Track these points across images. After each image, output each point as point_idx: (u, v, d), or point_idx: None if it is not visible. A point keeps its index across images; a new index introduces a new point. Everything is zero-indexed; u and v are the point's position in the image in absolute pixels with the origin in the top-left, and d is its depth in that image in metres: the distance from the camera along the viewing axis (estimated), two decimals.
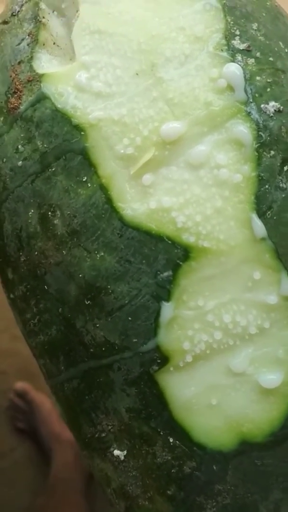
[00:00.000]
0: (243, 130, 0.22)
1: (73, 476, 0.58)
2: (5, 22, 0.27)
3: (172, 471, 0.24)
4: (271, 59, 0.24)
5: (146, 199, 0.23)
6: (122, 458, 0.25)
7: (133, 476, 0.26)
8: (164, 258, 0.23)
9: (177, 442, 0.24)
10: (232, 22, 0.24)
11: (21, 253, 0.26)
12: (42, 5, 0.26)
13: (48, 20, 0.26)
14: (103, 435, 0.26)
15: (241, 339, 0.23)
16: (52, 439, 0.64)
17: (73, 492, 0.56)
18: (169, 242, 0.23)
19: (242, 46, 0.23)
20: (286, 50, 0.25)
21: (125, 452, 0.25)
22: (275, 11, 0.26)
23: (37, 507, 0.58)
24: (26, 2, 0.27)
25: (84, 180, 0.24)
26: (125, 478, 0.26)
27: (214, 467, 0.24)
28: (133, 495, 0.26)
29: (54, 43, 0.26)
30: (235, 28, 0.24)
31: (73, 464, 0.59)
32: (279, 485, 0.24)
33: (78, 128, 0.24)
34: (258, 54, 0.23)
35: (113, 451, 0.26)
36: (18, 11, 0.27)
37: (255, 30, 0.24)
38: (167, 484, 0.25)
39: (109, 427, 0.26)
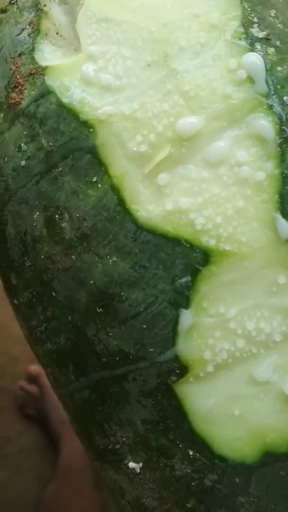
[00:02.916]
0: (265, 124, 0.21)
1: (83, 467, 0.58)
2: (3, 11, 0.25)
3: (192, 484, 0.23)
4: None
5: (162, 200, 0.22)
6: (138, 470, 0.25)
7: (149, 489, 0.25)
8: (182, 262, 0.22)
9: (197, 454, 0.23)
10: (249, 9, 0.22)
11: (25, 258, 0.25)
12: None
13: (49, 8, 0.24)
14: (117, 446, 0.25)
15: (265, 346, 0.22)
16: (61, 424, 0.64)
17: (85, 483, 0.57)
18: (187, 245, 0.21)
19: (261, 34, 0.22)
20: None
21: (140, 464, 0.24)
22: None
23: (48, 494, 0.59)
24: None
25: (93, 180, 0.22)
26: (141, 490, 0.25)
27: (237, 480, 0.23)
28: (149, 507, 0.25)
29: (57, 33, 0.24)
30: (252, 15, 0.22)
31: (81, 449, 0.60)
32: None
33: (86, 125, 0.22)
34: (278, 43, 0.22)
35: (128, 463, 0.25)
36: None
37: (273, 17, 0.23)
38: (186, 497, 0.24)
39: (124, 439, 0.25)
